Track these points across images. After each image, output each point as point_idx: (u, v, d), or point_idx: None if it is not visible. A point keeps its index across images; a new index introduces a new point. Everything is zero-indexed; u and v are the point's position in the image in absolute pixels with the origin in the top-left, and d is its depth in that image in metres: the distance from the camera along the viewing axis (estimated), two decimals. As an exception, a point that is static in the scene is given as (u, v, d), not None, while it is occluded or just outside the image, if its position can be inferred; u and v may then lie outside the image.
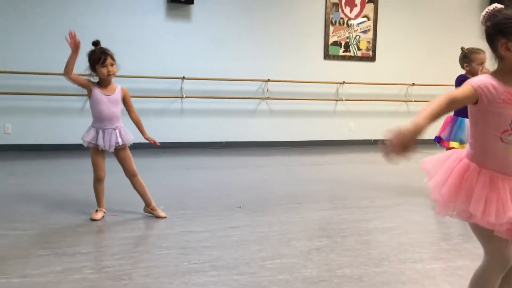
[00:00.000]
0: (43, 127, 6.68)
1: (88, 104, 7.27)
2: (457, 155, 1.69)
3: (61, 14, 6.60)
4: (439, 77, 8.04)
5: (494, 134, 1.56)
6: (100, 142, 3.36)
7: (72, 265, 2.54)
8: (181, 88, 7.14)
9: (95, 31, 6.42)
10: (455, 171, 1.63)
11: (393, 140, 1.41)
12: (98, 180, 3.46)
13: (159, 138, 7.02)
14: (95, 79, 3.40)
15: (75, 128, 6.69)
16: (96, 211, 3.45)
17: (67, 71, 3.23)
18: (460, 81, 4.02)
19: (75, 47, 3.22)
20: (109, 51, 3.33)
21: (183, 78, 7.08)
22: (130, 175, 3.47)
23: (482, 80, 1.54)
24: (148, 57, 6.91)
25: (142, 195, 3.51)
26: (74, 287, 2.26)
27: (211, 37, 7.29)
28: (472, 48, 3.95)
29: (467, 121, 4.00)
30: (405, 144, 1.41)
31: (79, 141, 5.91)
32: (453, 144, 4.07)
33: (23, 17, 6.49)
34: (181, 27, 7.15)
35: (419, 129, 1.42)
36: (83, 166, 5.61)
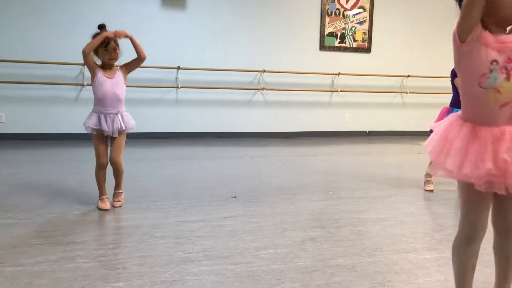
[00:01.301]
0: (37, 116, 6.65)
1: (82, 93, 7.27)
2: (453, 116, 1.71)
3: (55, 2, 6.54)
4: (435, 69, 8.06)
5: (473, 79, 1.57)
6: (104, 127, 3.33)
7: (66, 254, 2.54)
8: (176, 78, 7.11)
9: (89, 19, 6.39)
10: (443, 128, 1.67)
11: None
12: (100, 167, 3.44)
13: (154, 128, 7.08)
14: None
15: (69, 118, 6.69)
16: (102, 200, 3.44)
17: (89, 49, 3.25)
18: (454, 73, 4.03)
19: (106, 36, 3.26)
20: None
21: (178, 68, 7.06)
22: (114, 162, 3.43)
23: None
24: (143, 46, 6.83)
25: (118, 179, 3.51)
26: (69, 276, 2.26)
27: (207, 27, 7.25)
28: None
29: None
30: None
31: (73, 131, 5.90)
32: None
33: (15, 6, 6.43)
34: (176, 16, 7.11)
35: None
36: (77, 155, 5.60)
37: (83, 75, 6.60)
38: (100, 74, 3.34)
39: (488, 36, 1.54)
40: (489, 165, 1.50)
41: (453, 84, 4.10)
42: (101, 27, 3.33)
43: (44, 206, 3.43)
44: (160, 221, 3.15)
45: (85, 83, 6.58)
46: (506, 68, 1.53)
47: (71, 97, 6.71)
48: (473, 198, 1.64)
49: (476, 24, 1.54)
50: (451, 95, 4.17)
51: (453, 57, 1.66)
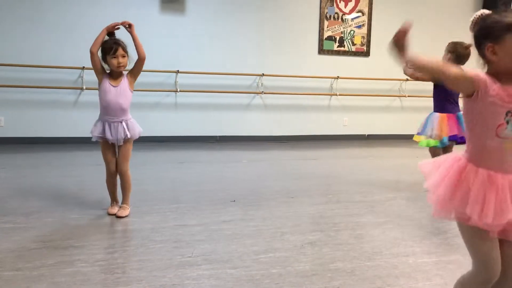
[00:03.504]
0: (36, 120, 6.65)
1: (81, 97, 7.27)
2: (454, 156, 1.67)
3: (54, 6, 6.55)
4: (433, 73, 8.06)
5: (490, 130, 1.55)
6: (108, 135, 3.28)
7: (65, 258, 2.53)
8: (176, 82, 7.11)
9: (88, 24, 6.40)
10: (451, 171, 1.62)
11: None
12: (110, 175, 3.41)
13: (153, 132, 7.08)
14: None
15: (68, 121, 6.69)
16: (112, 205, 3.42)
17: (95, 47, 3.19)
18: None
19: (111, 28, 3.25)
20: (122, 42, 3.26)
21: (178, 71, 7.06)
22: (120, 171, 3.38)
23: (476, 71, 1.55)
24: (142, 51, 6.86)
25: (124, 192, 3.43)
26: (67, 281, 2.26)
27: (206, 31, 7.26)
28: None
29: (434, 115, 4.21)
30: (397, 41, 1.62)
31: (72, 134, 5.89)
32: (416, 138, 4.31)
33: (15, 9, 6.43)
34: (176, 20, 7.11)
35: (407, 56, 1.59)
36: (76, 159, 5.60)
37: (82, 79, 6.60)
38: (107, 82, 3.27)
39: (498, 90, 1.52)
40: (510, 215, 1.49)
41: (442, 88, 4.16)
42: (110, 34, 3.29)
43: (42, 210, 3.42)
44: (159, 225, 3.14)
45: (84, 87, 6.58)
46: None
47: (70, 101, 6.70)
48: (483, 240, 1.60)
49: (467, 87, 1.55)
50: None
51: (464, 109, 1.63)
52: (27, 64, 6.41)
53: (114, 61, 3.22)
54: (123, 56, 3.25)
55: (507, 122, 1.53)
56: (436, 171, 1.68)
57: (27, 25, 6.47)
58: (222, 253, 2.66)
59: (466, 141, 1.66)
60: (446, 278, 2.41)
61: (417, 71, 1.62)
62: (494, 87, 1.52)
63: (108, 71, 3.33)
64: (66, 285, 2.21)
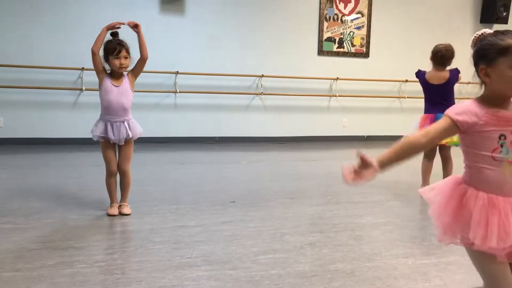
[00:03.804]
0: (35, 121, 6.64)
1: (80, 98, 7.27)
2: (454, 181, 1.66)
3: (54, 6, 6.55)
4: (432, 74, 8.06)
5: (485, 154, 1.54)
6: (111, 135, 3.29)
7: (65, 259, 2.53)
8: (175, 83, 7.12)
9: (88, 24, 6.40)
10: (453, 197, 1.61)
11: (346, 175, 1.61)
12: (110, 175, 3.40)
13: (152, 133, 7.08)
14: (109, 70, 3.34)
15: (67, 122, 6.69)
16: (111, 206, 3.41)
17: (97, 46, 3.21)
18: (418, 74, 4.52)
19: (112, 27, 3.27)
20: (125, 43, 3.27)
21: (177, 72, 7.06)
22: (122, 170, 3.40)
23: (461, 106, 1.55)
24: (142, 51, 6.86)
25: (124, 191, 3.45)
26: (67, 281, 2.26)
27: (205, 32, 7.26)
28: None
29: (421, 116, 4.36)
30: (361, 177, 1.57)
31: (72, 135, 5.89)
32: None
33: (14, 11, 6.43)
34: (175, 21, 7.12)
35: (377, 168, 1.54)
36: (76, 160, 5.60)
37: (81, 80, 6.60)
38: (108, 82, 3.28)
39: (487, 117, 1.51)
40: None
41: (424, 89, 4.30)
42: (114, 34, 3.30)
43: (42, 211, 3.42)
44: (159, 226, 3.14)
45: (84, 88, 6.58)
46: None
47: (69, 101, 6.69)
48: (492, 264, 1.58)
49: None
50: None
51: (459, 138, 1.63)
52: (27, 65, 6.41)
53: (117, 62, 3.24)
54: (126, 58, 3.27)
55: (501, 146, 1.52)
56: (437, 198, 1.67)
57: (27, 26, 6.47)
58: (221, 254, 2.66)
59: (464, 165, 1.65)
60: (445, 279, 2.41)
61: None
62: (482, 114, 1.51)
63: (108, 71, 3.33)
64: (66, 286, 2.21)
